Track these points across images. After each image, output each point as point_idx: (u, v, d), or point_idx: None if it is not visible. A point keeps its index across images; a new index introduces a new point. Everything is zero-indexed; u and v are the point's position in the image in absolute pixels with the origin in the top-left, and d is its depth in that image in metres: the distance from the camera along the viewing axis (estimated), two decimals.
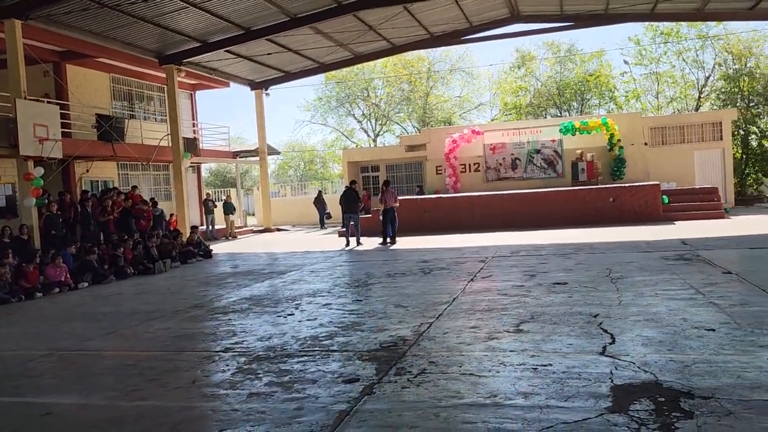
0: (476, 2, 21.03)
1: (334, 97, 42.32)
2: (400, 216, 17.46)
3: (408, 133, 41.93)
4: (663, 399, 3.82)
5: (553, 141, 23.24)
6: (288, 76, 25.88)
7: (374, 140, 42.99)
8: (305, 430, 3.74)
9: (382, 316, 6.96)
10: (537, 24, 23.55)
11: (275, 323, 7.01)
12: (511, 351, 5.13)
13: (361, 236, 17.04)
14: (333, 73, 36.42)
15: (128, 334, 6.98)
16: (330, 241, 18.89)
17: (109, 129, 17.82)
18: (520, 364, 4.73)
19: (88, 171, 19.67)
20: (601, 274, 8.89)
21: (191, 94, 25.54)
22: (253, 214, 34.29)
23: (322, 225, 26.14)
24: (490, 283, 8.74)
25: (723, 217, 17.50)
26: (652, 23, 28.69)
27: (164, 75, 21.97)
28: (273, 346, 5.92)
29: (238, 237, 23.69)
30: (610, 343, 5.14)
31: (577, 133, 22.55)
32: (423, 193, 24.00)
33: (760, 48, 26.06)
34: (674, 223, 16.64)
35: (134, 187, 19.20)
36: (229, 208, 23.44)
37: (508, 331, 5.83)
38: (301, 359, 5.36)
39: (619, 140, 22.11)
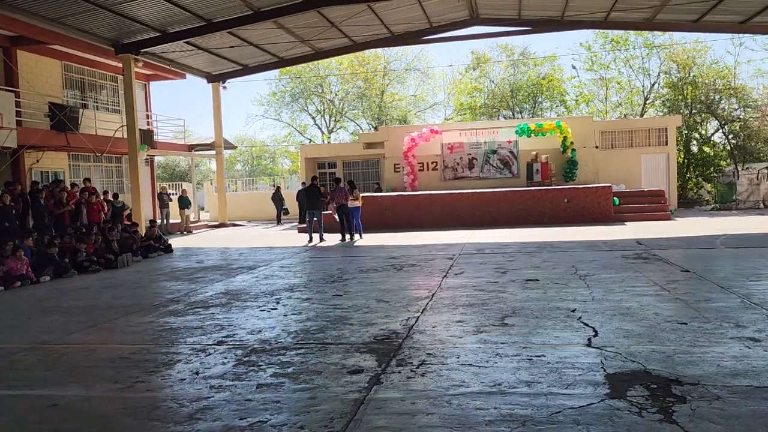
0: (438, 3, 21.35)
1: (288, 92, 42.03)
2: (362, 213, 17.62)
3: (362, 130, 42.08)
4: (655, 386, 4.13)
5: (509, 142, 23.87)
6: (246, 70, 25.60)
7: (328, 136, 42.94)
8: (324, 418, 3.87)
9: (367, 311, 7.12)
10: (495, 27, 24.10)
11: (261, 317, 7.07)
12: (502, 343, 5.39)
13: (324, 233, 17.10)
14: (288, 68, 36.21)
15: (110, 328, 6.90)
16: (291, 237, 18.88)
17: (64, 118, 17.25)
18: (515, 355, 4.99)
19: (38, 161, 19.00)
20: (568, 271, 9.30)
21: (145, 84, 24.97)
22: (203, 209, 33.75)
23: (279, 221, 26.01)
24: (464, 280, 9.02)
25: (669, 219, 18.44)
26: (603, 31, 29.77)
27: (118, 64, 21.46)
28: (266, 339, 6.00)
29: (194, 232, 23.34)
30: (594, 336, 5.47)
31: (532, 135, 23.24)
32: (381, 191, 24.23)
33: (703, 58, 27.44)
34: (625, 224, 17.43)
35: (87, 180, 18.72)
36: (184, 203, 23.07)
37: (494, 325, 6.09)
38: (299, 352, 5.46)
39: (572, 143, 22.92)
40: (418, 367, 4.82)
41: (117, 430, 3.87)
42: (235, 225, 25.93)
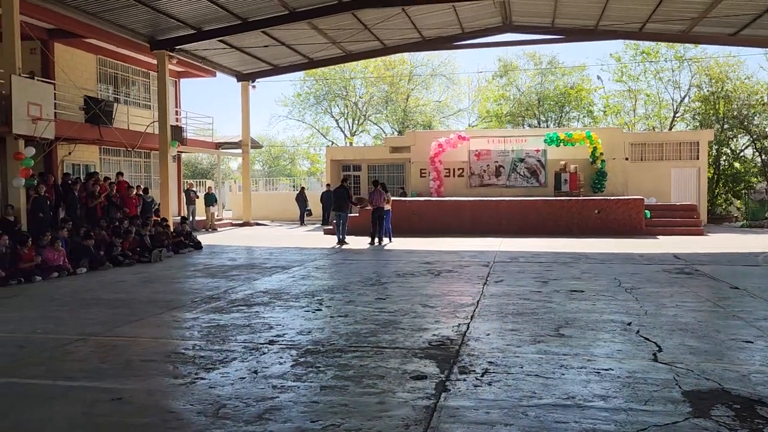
0: (472, 9, 21.24)
1: (312, 94, 42.12)
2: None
3: (385, 133, 42.09)
4: (738, 406, 3.99)
5: (537, 151, 23.68)
6: (276, 70, 25.68)
7: (351, 139, 42.95)
8: (399, 425, 3.77)
9: (414, 316, 7.02)
10: (527, 35, 23.97)
11: (307, 318, 7.00)
12: (564, 354, 5.27)
13: (348, 235, 16.92)
14: (314, 69, 36.30)
15: (157, 323, 6.86)
16: (317, 238, 18.83)
17: (99, 112, 17.35)
18: (581, 368, 4.86)
19: (70, 154, 19.13)
20: (612, 284, 9.13)
21: (176, 81, 25.10)
22: (223, 207, 33.83)
23: (303, 222, 26.00)
24: (506, 288, 8.89)
25: (703, 234, 18.14)
26: (634, 42, 29.51)
27: (150, 60, 21.63)
28: (318, 340, 5.92)
29: (218, 229, 23.39)
30: (658, 351, 5.33)
31: (561, 144, 23.04)
32: (405, 195, 24.14)
33: (737, 72, 27.07)
34: (657, 238, 17.17)
35: (120, 174, 18.80)
36: (210, 200, 23.14)
37: (551, 335, 5.96)
38: (355, 354, 5.37)
39: (601, 154, 22.69)
40: (482, 376, 4.71)
41: (189, 427, 3.79)
42: (258, 224, 25.94)
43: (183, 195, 23.18)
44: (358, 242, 16.47)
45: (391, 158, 26.50)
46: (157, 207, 18.45)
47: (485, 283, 9.29)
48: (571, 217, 18.72)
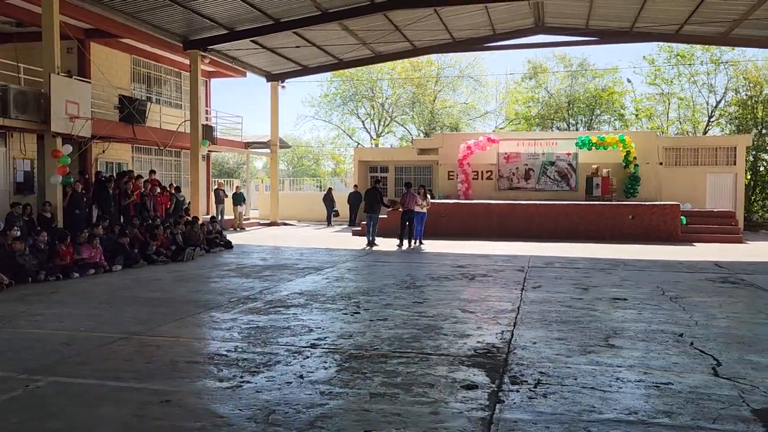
0: (505, 10, 21.02)
1: (339, 95, 42.14)
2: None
3: (411, 135, 41.95)
4: None
5: (568, 154, 23.34)
6: (305, 71, 25.72)
7: (377, 140, 42.90)
8: None
9: (455, 321, 6.89)
10: (559, 36, 23.65)
11: (346, 321, 6.91)
12: (618, 366, 5.09)
13: (377, 237, 16.79)
14: (341, 70, 36.34)
15: (196, 323, 6.83)
16: (346, 239, 18.77)
17: (133, 111, 17.51)
18: (638, 381, 4.69)
19: (104, 152, 19.35)
20: (655, 292, 8.90)
21: (206, 81, 25.25)
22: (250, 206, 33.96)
23: (330, 222, 25.98)
24: (545, 294, 8.70)
25: (742, 242, 17.69)
26: (669, 44, 28.98)
27: (182, 60, 21.86)
28: (360, 345, 5.82)
29: (246, 229, 23.46)
30: (717, 365, 5.12)
31: (593, 148, 22.67)
32: (433, 198, 23.94)
33: None
34: (694, 245, 16.78)
35: (153, 172, 18.98)
36: (239, 199, 23.22)
37: (600, 345, 5.79)
38: (400, 361, 5.26)
39: (635, 158, 22.27)
40: (535, 387, 4.56)
41: None
42: (285, 224, 25.99)
43: (212, 194, 23.29)
44: (386, 244, 16.35)
45: (419, 160, 26.36)
46: (187, 206, 18.57)
47: (523, 289, 9.12)
48: (604, 223, 18.39)
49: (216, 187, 23.18)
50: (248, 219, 25.37)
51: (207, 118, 24.56)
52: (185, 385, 4.60)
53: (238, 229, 22.90)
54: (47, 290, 9.04)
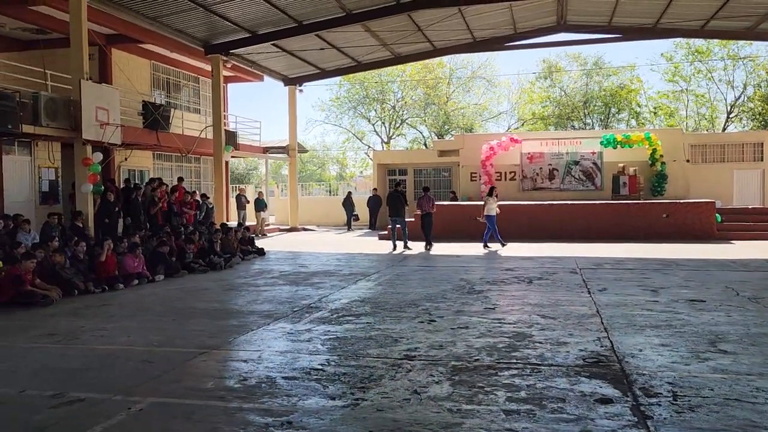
0: (528, 8, 20.76)
1: (348, 98, 41.83)
2: (446, 222, 18.17)
3: (424, 137, 41.69)
4: None
5: (593, 153, 23.03)
6: (323, 74, 25.47)
7: (388, 144, 42.60)
8: None
9: (541, 327, 6.57)
10: (582, 34, 23.39)
11: (427, 330, 6.59)
12: (748, 375, 4.78)
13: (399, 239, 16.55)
14: (353, 74, 36.07)
15: (271, 335, 6.50)
16: (374, 243, 18.44)
17: (158, 117, 17.22)
18: None
19: (126, 159, 19.06)
20: (726, 292, 8.59)
21: (224, 86, 24.95)
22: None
23: (350, 226, 25.67)
24: (616, 297, 8.39)
25: None
26: (686, 41, 28.71)
27: (200, 64, 21.66)
28: (458, 356, 5.50)
29: (267, 235, 23.15)
30: None
31: (618, 146, 22.36)
32: (456, 200, 23.66)
33: None
34: (733, 243, 16.46)
35: (180, 179, 18.65)
36: (261, 205, 22.92)
37: (711, 351, 5.48)
38: (512, 373, 4.95)
39: (661, 156, 21.97)
40: (675, 399, 4.25)
41: None
42: (306, 229, 25.69)
43: (232, 200, 22.98)
44: (415, 247, 16.03)
45: (439, 162, 26.05)
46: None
47: (590, 292, 8.80)
48: (636, 222, 18.06)
49: (237, 193, 22.86)
50: (268, 225, 25.06)
51: (225, 123, 24.29)
52: (298, 405, 4.29)
53: (260, 236, 22.57)
54: (96, 303, 8.72)
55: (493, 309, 7.69)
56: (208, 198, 17.67)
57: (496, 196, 16.11)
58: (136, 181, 17.56)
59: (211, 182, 23.60)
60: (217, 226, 15.61)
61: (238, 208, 22.25)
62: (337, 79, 38.92)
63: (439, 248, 15.98)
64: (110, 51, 18.27)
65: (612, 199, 20.94)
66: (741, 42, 29.07)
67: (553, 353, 5.53)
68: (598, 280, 10.00)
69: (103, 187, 13.76)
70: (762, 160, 22.53)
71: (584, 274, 10.73)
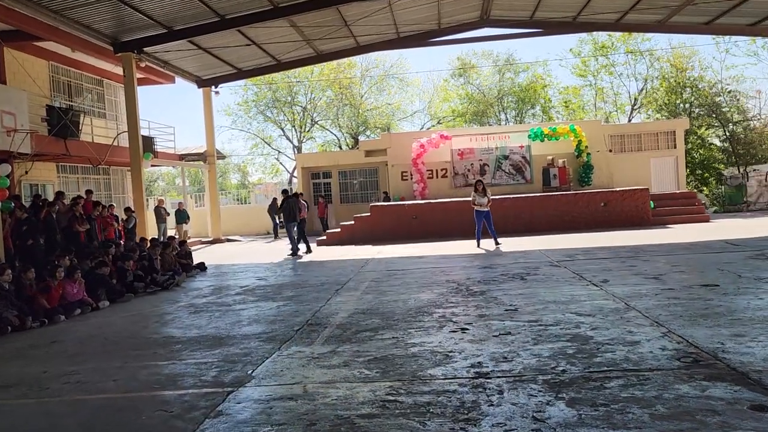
0: (454, 3, 20.56)
1: (255, 102, 40.06)
2: (388, 224, 18.06)
3: (338, 139, 40.82)
4: None
5: (521, 147, 23.23)
6: (240, 74, 24.09)
7: (299, 147, 41.30)
8: None
9: (589, 327, 6.00)
10: (504, 29, 23.51)
11: (470, 340, 5.81)
12: None
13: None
14: (260, 77, 34.60)
15: (294, 363, 5.45)
16: (321, 251, 17.41)
17: (69, 123, 15.25)
18: None
19: (27, 173, 16.78)
20: (725, 275, 8.49)
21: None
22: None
23: (276, 234, 24.36)
24: (625, 288, 8.02)
25: (709, 221, 18.16)
26: (593, 37, 29.83)
27: (104, 66, 19.70)
28: (536, 367, 4.78)
29: (192, 248, 21.37)
30: None
31: (545, 139, 22.70)
32: (389, 200, 23.07)
33: (707, 62, 27.89)
34: (672, 227, 17.00)
35: (89, 191, 16.67)
36: (182, 217, 21.21)
37: None
38: (619, 383, 4.29)
39: (586, 147, 22.51)
40: None
41: None
42: (230, 240, 24.09)
43: (152, 213, 21.05)
44: (329, 252, 15.24)
45: (366, 162, 25.41)
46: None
47: (594, 284, 8.40)
48: (578, 212, 18.29)
49: (156, 204, 20.94)
50: (189, 238, 23.23)
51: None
52: None
53: None
54: (43, 341, 7.21)
55: (516, 310, 7.05)
56: (134, 212, 15.85)
57: (483, 189, 14.93)
58: (45, 197, 15.43)
59: (123, 195, 21.58)
60: (148, 241, 14.01)
61: (157, 221, 20.38)
62: (243, 82, 37.25)
63: (393, 251, 15.28)
64: (2, 50, 16.02)
65: (543, 191, 21.17)
66: (640, 38, 30.72)
67: (636, 355, 4.94)
68: (587, 271, 9.67)
69: (13, 204, 11.83)
70: (675, 147, 23.72)
71: (568, 266, 10.39)
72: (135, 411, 4.38)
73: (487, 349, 5.46)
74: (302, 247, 16.52)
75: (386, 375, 4.87)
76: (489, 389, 4.35)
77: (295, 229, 16.43)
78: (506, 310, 7.08)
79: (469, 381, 4.57)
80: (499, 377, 4.61)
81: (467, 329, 6.28)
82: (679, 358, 4.80)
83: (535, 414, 3.82)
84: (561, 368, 4.72)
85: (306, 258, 15.37)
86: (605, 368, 4.65)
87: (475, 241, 15.11)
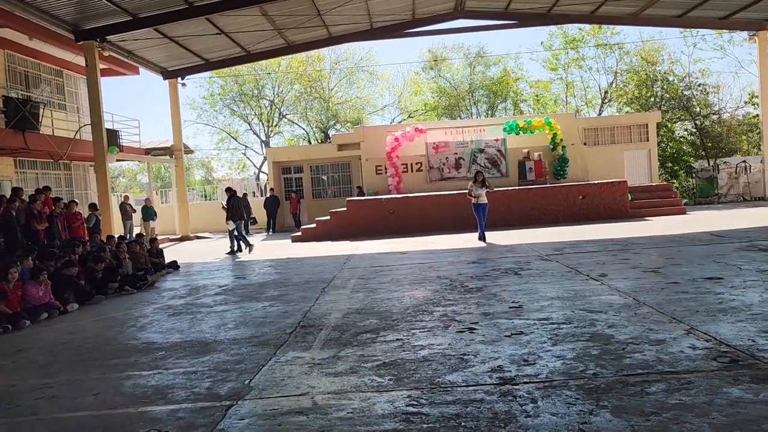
0: None
1: (221, 95, 39.05)
2: (364, 219, 17.72)
3: (307, 133, 40.14)
4: None
5: (497, 140, 23.01)
6: (207, 65, 23.33)
7: (266, 142, 40.47)
8: None
9: (606, 324, 5.67)
10: (479, 21, 23.28)
11: (481, 341, 5.42)
12: None
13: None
14: (226, 70, 33.72)
15: (295, 371, 4.97)
16: (295, 247, 16.88)
17: (28, 115, 14.34)
18: None
19: None
20: (724, 267, 8.33)
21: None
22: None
23: (248, 231, 23.61)
24: (626, 282, 7.77)
25: (685, 213, 18.23)
26: (563, 30, 29.83)
27: (63, 55, 18.78)
28: (563, 371, 4.42)
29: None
30: None
31: (521, 132, 22.52)
32: (363, 194, 22.63)
33: (676, 55, 28.16)
34: (649, 219, 16.98)
35: (47, 188, 15.75)
36: (149, 213, 20.35)
37: None
38: (658, 387, 3.95)
39: (561, 140, 22.41)
40: None
41: None
42: (198, 237, 23.30)
43: (117, 210, 20.14)
44: (308, 248, 14.78)
45: (339, 156, 24.91)
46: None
47: (594, 279, 8.12)
48: (556, 205, 18.14)
49: (122, 201, 20.05)
50: (157, 235, 22.34)
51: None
52: None
53: None
54: (7, 349, 6.55)
55: (520, 307, 6.70)
56: (97, 209, 15.01)
57: (483, 181, 14.11)
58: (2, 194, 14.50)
59: (85, 191, 20.63)
60: (115, 239, 13.26)
61: (123, 218, 19.51)
62: (208, 74, 36.25)
63: (372, 246, 14.85)
64: None
65: (519, 185, 20.98)
66: (609, 32, 30.88)
67: (668, 356, 4.61)
68: (581, 265, 9.41)
69: None
70: (648, 140, 23.83)
71: (559, 260, 10.12)
72: (123, 431, 3.86)
73: (504, 351, 5.08)
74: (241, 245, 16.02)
75: (401, 383, 4.44)
76: (520, 397, 3.96)
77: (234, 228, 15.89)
78: (510, 308, 6.72)
79: (494, 388, 4.18)
80: (526, 383, 4.23)
81: (475, 329, 5.90)
82: (714, 357, 4.49)
83: (581, 426, 3.44)
84: (591, 371, 4.36)
85: (273, 255, 14.81)
86: (639, 371, 4.31)
87: (477, 234, 14.56)
